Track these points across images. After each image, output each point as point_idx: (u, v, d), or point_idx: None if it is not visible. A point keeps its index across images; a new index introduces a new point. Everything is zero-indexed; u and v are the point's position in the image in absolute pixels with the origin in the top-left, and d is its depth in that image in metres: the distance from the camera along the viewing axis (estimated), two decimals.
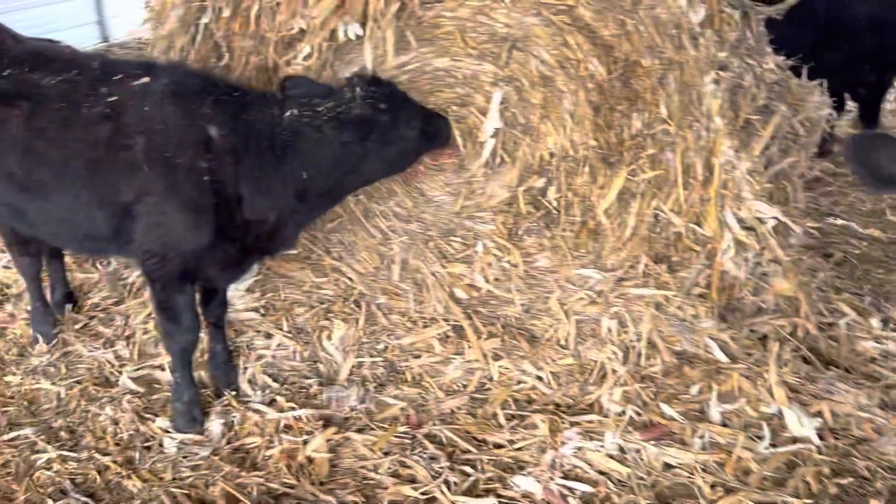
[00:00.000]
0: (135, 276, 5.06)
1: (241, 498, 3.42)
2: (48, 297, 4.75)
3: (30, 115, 3.55)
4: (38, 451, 3.77)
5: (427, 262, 4.36)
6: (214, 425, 3.90)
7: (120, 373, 4.32)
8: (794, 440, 3.85)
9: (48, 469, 3.66)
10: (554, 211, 4.25)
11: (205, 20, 4.05)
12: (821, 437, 3.86)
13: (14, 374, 4.35)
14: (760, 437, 3.85)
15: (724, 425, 3.94)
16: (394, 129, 3.62)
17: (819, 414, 4.00)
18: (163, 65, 3.66)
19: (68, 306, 4.82)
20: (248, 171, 3.52)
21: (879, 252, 6.16)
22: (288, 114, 3.54)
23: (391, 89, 3.68)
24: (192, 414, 3.91)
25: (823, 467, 3.67)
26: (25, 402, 4.17)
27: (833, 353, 4.55)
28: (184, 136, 3.43)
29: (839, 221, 6.68)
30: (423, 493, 3.52)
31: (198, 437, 3.87)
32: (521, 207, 4.26)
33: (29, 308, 4.88)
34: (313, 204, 3.77)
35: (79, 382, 4.26)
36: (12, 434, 3.85)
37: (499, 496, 3.50)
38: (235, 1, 4.01)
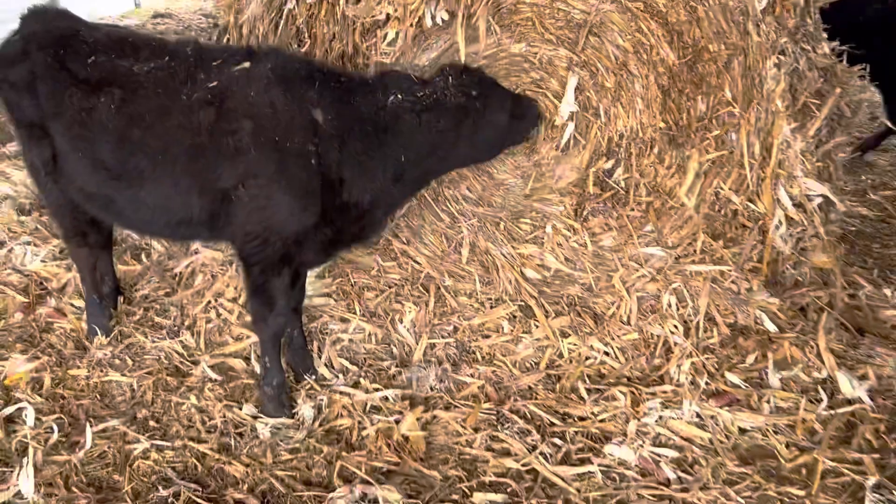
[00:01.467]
0: (182, 266, 5.01)
1: (360, 474, 3.48)
2: None
3: (123, 101, 3.51)
4: (130, 442, 3.72)
5: (497, 244, 4.48)
6: (305, 409, 3.93)
7: (193, 363, 4.29)
8: (849, 402, 4.10)
9: (146, 458, 3.63)
10: (621, 191, 4.43)
11: (289, 6, 4.05)
12: (871, 398, 4.14)
13: (79, 367, 4.27)
14: (819, 400, 4.10)
15: (784, 390, 4.18)
16: (486, 114, 3.72)
17: (865, 377, 4.27)
18: (263, 50, 3.65)
19: (119, 298, 4.74)
20: (351, 155, 3.56)
21: (871, 229, 6.56)
22: (391, 99, 3.60)
23: (481, 76, 3.78)
24: (281, 399, 3.94)
25: (880, 425, 3.94)
26: (97, 395, 4.10)
27: (861, 322, 4.85)
28: (292, 120, 3.45)
29: None
30: (523, 466, 3.64)
31: (289, 421, 3.89)
32: (588, 189, 4.42)
33: (75, 302, 4.79)
34: (406, 187, 3.84)
35: (150, 373, 4.21)
36: (101, 426, 3.79)
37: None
38: None
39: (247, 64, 3.51)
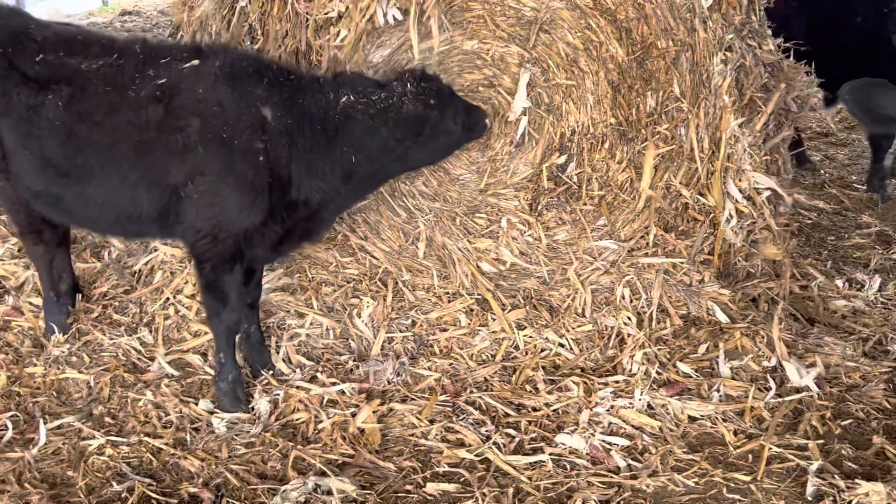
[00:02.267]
0: (141, 264, 5.01)
1: (315, 464, 3.52)
2: None
3: (71, 99, 3.52)
4: (85, 438, 3.74)
5: (453, 239, 4.55)
6: (261, 403, 3.96)
7: (150, 359, 4.31)
8: (797, 390, 4.21)
9: (100, 454, 3.64)
10: (574, 186, 4.51)
11: (241, 3, 4.09)
12: (818, 386, 4.24)
13: (35, 364, 4.27)
14: (767, 388, 4.20)
15: (734, 379, 4.28)
16: (441, 124, 3.80)
17: (813, 365, 4.38)
18: (211, 47, 3.69)
19: (78, 296, 4.74)
20: (300, 153, 3.61)
21: (828, 221, 6.73)
22: (343, 99, 3.66)
23: (439, 85, 3.84)
24: (237, 394, 3.97)
25: (826, 412, 4.05)
26: (54, 392, 4.11)
27: (812, 312, 4.98)
28: (240, 117, 3.49)
29: None
30: (476, 456, 3.71)
31: (245, 416, 3.92)
32: (542, 183, 4.50)
33: (33, 301, 4.79)
34: (356, 188, 3.90)
35: (107, 370, 4.22)
36: (57, 422, 3.81)
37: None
38: None
39: (196, 61, 3.54)
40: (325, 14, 4.06)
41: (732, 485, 3.57)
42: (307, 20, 4.13)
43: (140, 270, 4.99)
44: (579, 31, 4.24)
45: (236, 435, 3.81)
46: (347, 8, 3.98)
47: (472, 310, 4.59)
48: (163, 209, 3.63)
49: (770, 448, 3.73)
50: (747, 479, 3.59)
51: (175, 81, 3.50)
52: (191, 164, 3.49)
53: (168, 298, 4.67)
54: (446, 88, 3.90)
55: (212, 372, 4.15)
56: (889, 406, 4.09)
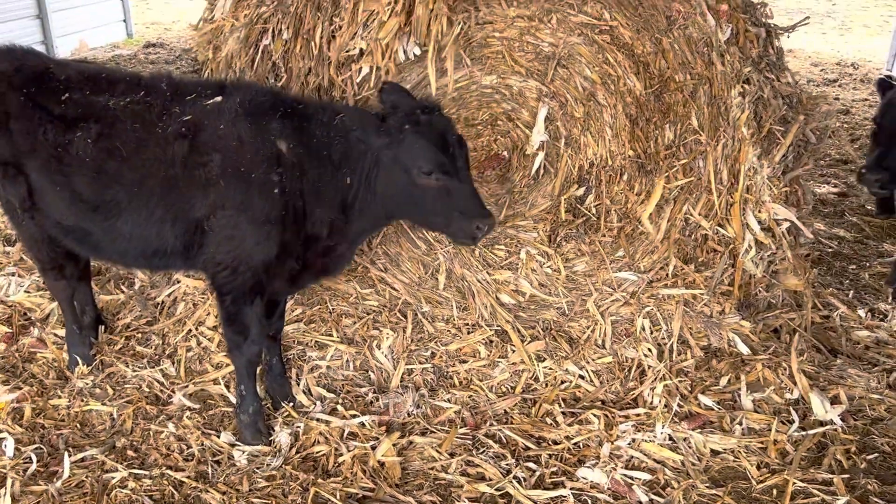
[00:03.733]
0: (164, 295, 5.07)
1: (335, 501, 3.52)
2: None
3: (100, 136, 3.59)
4: (108, 471, 3.76)
5: (473, 270, 4.56)
6: (282, 436, 3.98)
7: (172, 391, 4.34)
8: (821, 423, 4.16)
9: (123, 487, 3.66)
10: (593, 217, 4.52)
11: (265, 42, 4.17)
12: (841, 419, 4.20)
13: (60, 396, 4.31)
14: (790, 421, 4.16)
15: (756, 412, 4.24)
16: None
17: (836, 398, 4.34)
18: (234, 84, 3.76)
19: (101, 328, 4.79)
20: (310, 183, 3.63)
21: (849, 250, 6.67)
22: (337, 118, 3.66)
23: (435, 119, 3.59)
24: (258, 426, 3.98)
25: (851, 446, 4.00)
26: (78, 424, 4.14)
27: (834, 343, 4.93)
28: (257, 151, 3.54)
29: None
30: (496, 490, 3.69)
31: (266, 448, 3.93)
32: (561, 215, 4.52)
33: (58, 332, 4.84)
34: (357, 222, 3.81)
35: (130, 402, 4.25)
36: (80, 455, 3.83)
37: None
38: (296, 24, 4.14)
39: (219, 98, 3.61)
40: (347, 52, 4.14)
41: None
42: (329, 58, 4.21)
43: (163, 302, 5.05)
44: (597, 66, 4.29)
45: (257, 468, 3.82)
46: (369, 45, 4.05)
47: (491, 341, 4.60)
48: (188, 243, 3.68)
49: (794, 483, 3.69)
50: None
51: (199, 118, 3.57)
52: (212, 198, 3.55)
53: (190, 330, 4.72)
54: (443, 123, 3.61)
55: (234, 401, 4.17)
56: None
